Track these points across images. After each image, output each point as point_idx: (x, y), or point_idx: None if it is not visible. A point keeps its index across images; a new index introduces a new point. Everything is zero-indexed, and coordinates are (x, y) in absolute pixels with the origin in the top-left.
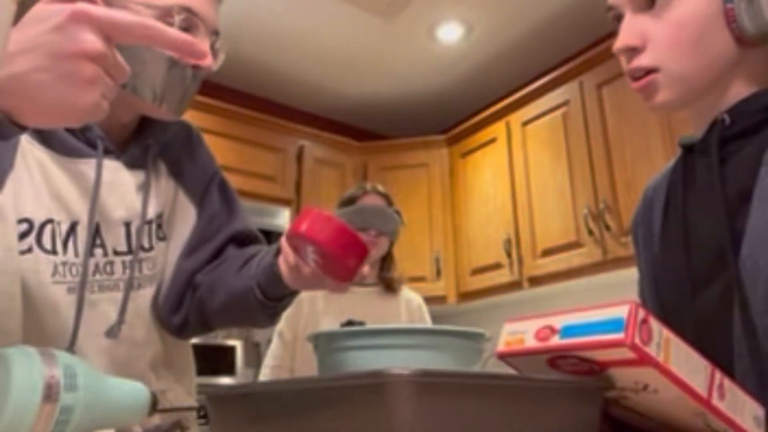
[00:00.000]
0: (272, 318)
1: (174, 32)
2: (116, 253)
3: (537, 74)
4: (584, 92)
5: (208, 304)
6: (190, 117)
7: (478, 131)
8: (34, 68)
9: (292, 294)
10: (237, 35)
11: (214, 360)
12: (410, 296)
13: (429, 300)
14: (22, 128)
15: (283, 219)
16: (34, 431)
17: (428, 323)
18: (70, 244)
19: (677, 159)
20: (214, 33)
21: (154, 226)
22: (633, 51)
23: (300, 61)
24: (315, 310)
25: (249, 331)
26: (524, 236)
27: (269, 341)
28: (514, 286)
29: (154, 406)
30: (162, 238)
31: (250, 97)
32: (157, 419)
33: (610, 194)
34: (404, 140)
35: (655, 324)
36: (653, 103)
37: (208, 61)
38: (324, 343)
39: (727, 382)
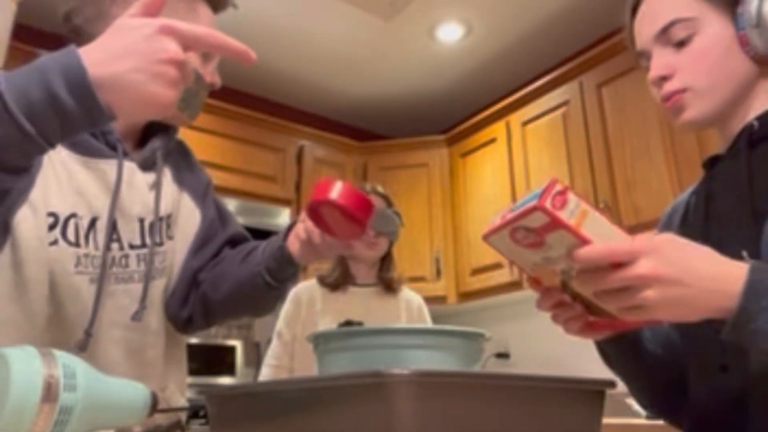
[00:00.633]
0: (277, 300)
1: (232, 40)
2: (131, 246)
3: (537, 74)
4: (584, 92)
5: (212, 296)
6: None
7: (478, 131)
8: (132, 69)
9: (296, 274)
10: (237, 36)
11: (214, 360)
12: (410, 296)
13: (429, 300)
14: (113, 118)
15: (283, 219)
16: (33, 431)
17: (428, 323)
18: (91, 237)
19: (699, 180)
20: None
21: (164, 224)
22: (664, 79)
23: (300, 61)
24: (314, 311)
25: (249, 331)
26: None
27: (269, 341)
28: (514, 286)
29: (154, 406)
30: (170, 237)
31: (250, 97)
32: (157, 419)
33: (610, 194)
34: (404, 140)
35: (573, 196)
36: (682, 119)
37: (216, 80)
38: (324, 343)
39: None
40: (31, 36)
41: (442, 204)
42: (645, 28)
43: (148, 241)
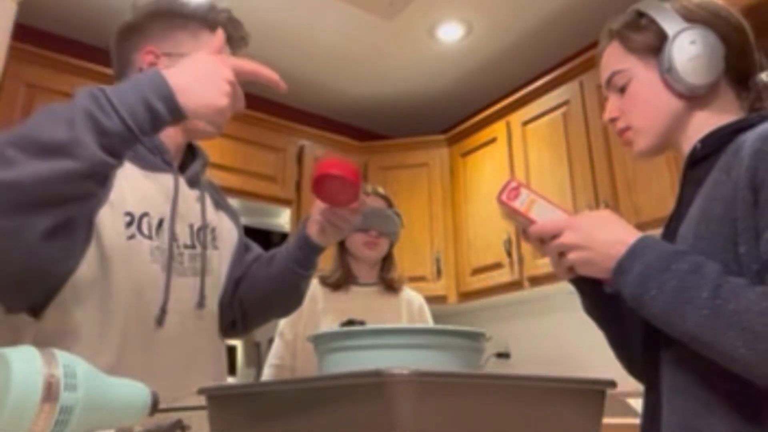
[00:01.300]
0: (305, 291)
1: (265, 70)
2: (185, 246)
3: (537, 74)
4: (584, 92)
5: (249, 299)
6: None
7: (478, 131)
8: (200, 82)
9: (317, 261)
10: None
11: None
12: (411, 296)
13: (429, 300)
14: (186, 117)
15: (283, 219)
16: (34, 430)
17: (430, 323)
18: (159, 234)
19: None
20: None
21: (210, 233)
22: (614, 120)
23: (300, 61)
24: (315, 310)
25: None
26: None
27: (269, 341)
28: (515, 286)
29: (154, 406)
30: (216, 247)
31: (250, 97)
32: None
33: (611, 194)
34: (404, 140)
35: (524, 190)
36: (633, 151)
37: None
38: (324, 342)
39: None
40: (31, 36)
41: (443, 204)
42: (600, 79)
43: (197, 242)
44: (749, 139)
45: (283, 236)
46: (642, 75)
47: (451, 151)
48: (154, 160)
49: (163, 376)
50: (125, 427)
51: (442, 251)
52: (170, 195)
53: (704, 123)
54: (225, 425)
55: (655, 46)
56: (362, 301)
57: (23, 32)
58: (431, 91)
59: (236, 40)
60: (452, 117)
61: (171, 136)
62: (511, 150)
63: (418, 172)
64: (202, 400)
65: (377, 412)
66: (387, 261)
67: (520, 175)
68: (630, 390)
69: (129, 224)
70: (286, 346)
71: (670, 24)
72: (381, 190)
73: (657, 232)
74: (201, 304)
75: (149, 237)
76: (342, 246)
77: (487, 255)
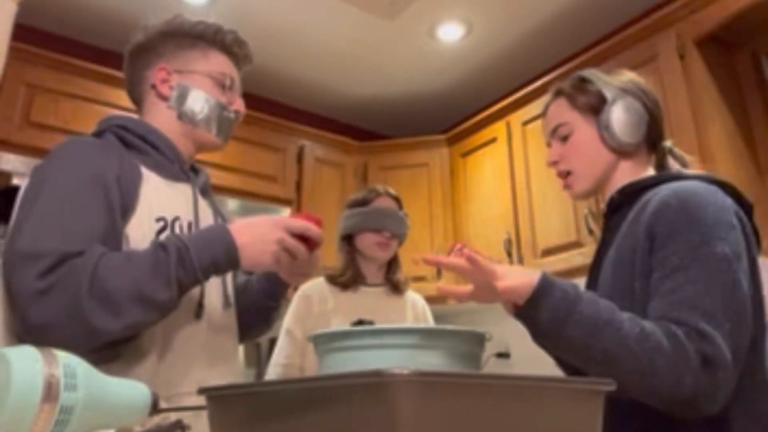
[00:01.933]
0: (275, 320)
1: (315, 228)
2: None
3: (537, 74)
4: None
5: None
6: None
7: (478, 131)
8: (257, 243)
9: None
10: None
11: None
12: (415, 297)
13: (429, 300)
14: (239, 267)
15: None
16: (34, 430)
17: (432, 325)
18: None
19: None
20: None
21: None
22: (555, 164)
23: (300, 61)
24: (325, 309)
25: None
26: (524, 236)
27: (270, 341)
28: None
29: (154, 406)
30: None
31: (250, 97)
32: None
33: None
34: (404, 140)
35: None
36: (572, 193)
37: (240, 105)
38: (324, 342)
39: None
40: (32, 36)
41: (443, 204)
42: (545, 128)
43: None
44: (653, 200)
45: None
46: (583, 128)
47: (451, 151)
48: (173, 169)
49: (199, 367)
50: (125, 427)
51: (442, 251)
52: (190, 201)
53: (625, 174)
54: (225, 425)
55: (596, 107)
56: (371, 302)
57: (24, 32)
58: (431, 91)
59: (241, 58)
60: (452, 117)
61: (185, 147)
62: (511, 150)
63: (418, 172)
64: (202, 400)
65: (378, 413)
66: (393, 262)
67: (520, 175)
68: None
69: (163, 229)
70: (296, 345)
71: (610, 91)
72: (392, 191)
73: None
74: (227, 303)
75: None
76: (351, 245)
77: (487, 255)
